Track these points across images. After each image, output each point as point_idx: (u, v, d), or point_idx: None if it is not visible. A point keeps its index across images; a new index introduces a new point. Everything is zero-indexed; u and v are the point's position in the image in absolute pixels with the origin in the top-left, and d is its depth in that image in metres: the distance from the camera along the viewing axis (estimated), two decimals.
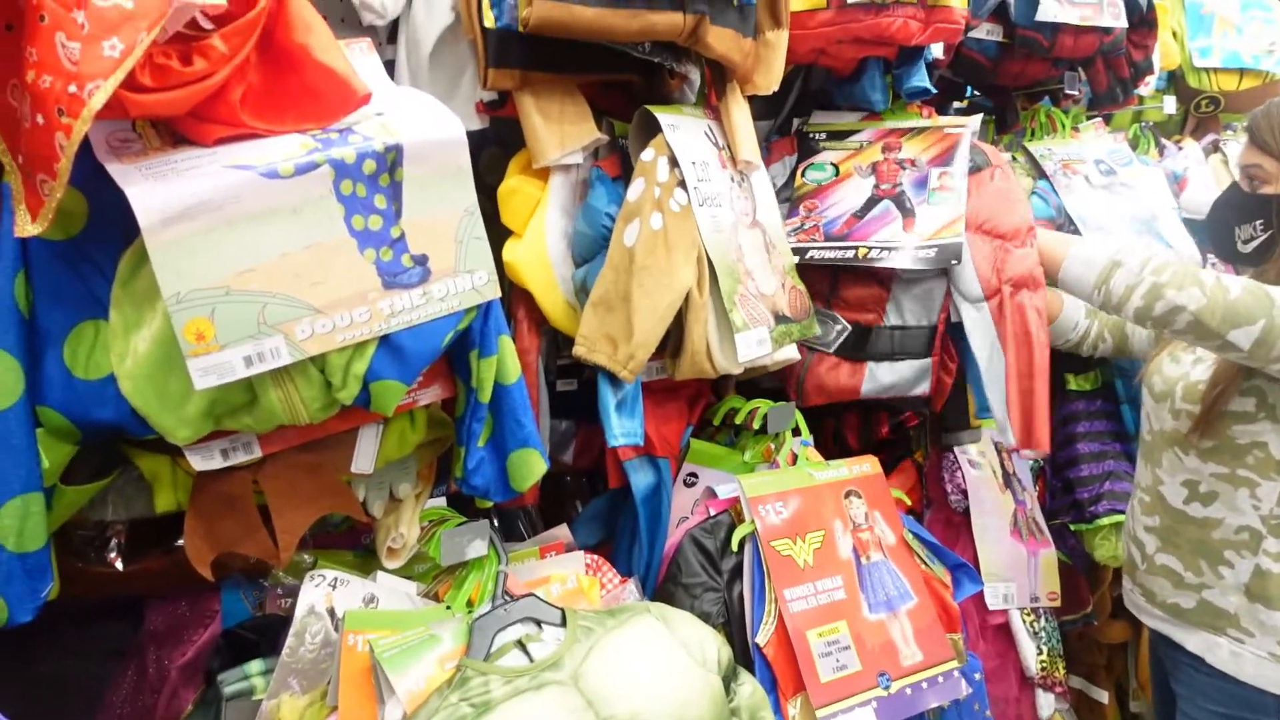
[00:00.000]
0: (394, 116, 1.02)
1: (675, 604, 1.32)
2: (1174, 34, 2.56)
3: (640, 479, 1.47)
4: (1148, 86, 2.43)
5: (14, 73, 0.86)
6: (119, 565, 1.21)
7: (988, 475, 1.88)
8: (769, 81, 1.49)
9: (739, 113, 1.48)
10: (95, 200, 0.94)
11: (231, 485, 1.09)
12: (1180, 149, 2.52)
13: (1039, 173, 2.10)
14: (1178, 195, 2.32)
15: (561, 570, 1.32)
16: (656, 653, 1.13)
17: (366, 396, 1.01)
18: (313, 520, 1.15)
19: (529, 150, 1.36)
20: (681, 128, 1.39)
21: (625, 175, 1.40)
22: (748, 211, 1.50)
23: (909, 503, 1.68)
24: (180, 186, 0.87)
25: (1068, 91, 2.11)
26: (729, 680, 1.19)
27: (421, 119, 1.03)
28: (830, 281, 1.64)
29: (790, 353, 1.53)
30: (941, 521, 1.88)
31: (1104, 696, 2.36)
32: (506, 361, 1.17)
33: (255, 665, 1.14)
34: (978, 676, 1.53)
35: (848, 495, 1.50)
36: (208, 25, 0.90)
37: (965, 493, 1.82)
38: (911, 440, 1.93)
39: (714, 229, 1.39)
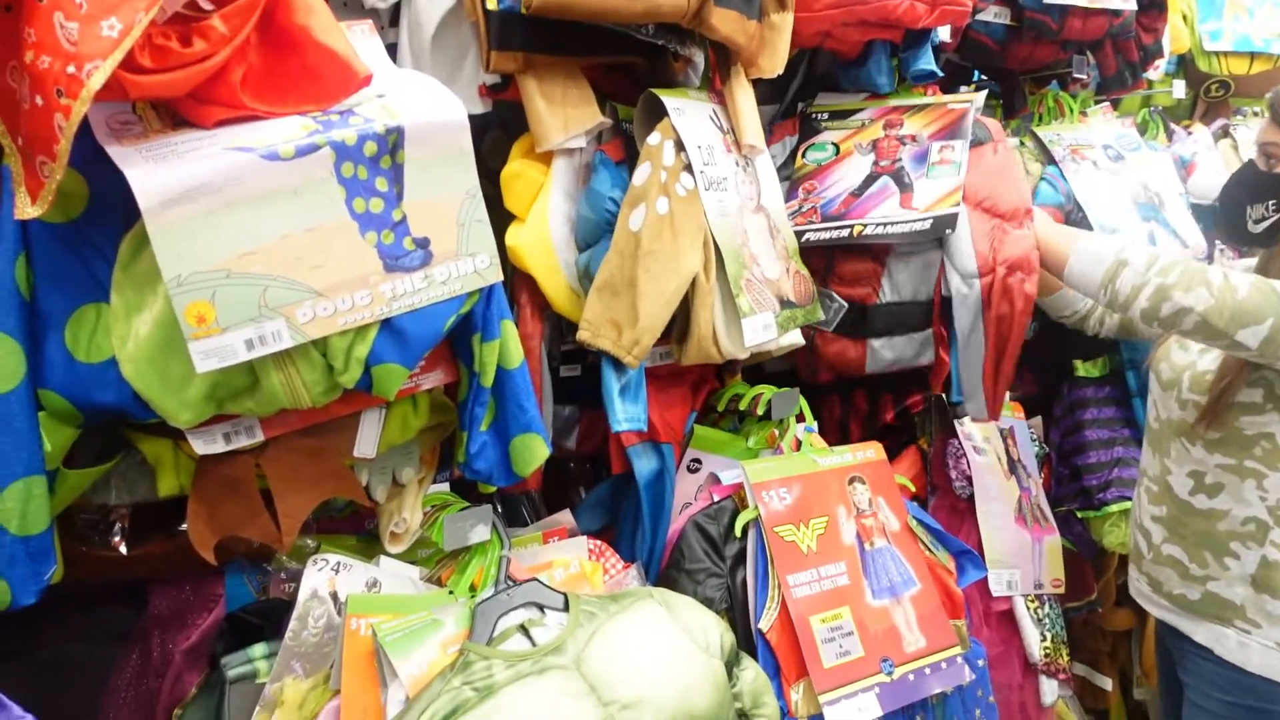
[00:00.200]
0: (395, 98, 1.01)
1: (678, 589, 1.32)
2: (1184, 17, 2.54)
3: (643, 465, 1.47)
4: (1157, 70, 2.41)
5: (13, 54, 0.85)
6: (123, 549, 1.20)
7: (992, 462, 1.87)
8: (774, 65, 1.47)
9: (743, 96, 1.46)
10: (96, 183, 0.93)
11: (234, 469, 1.09)
12: (1189, 134, 2.50)
13: (1047, 158, 2.09)
14: (1185, 180, 2.30)
15: (564, 555, 1.32)
16: (659, 638, 1.13)
17: (368, 380, 1.01)
18: (315, 504, 1.15)
19: (532, 134, 1.35)
20: (687, 111, 1.38)
21: (628, 159, 1.40)
22: (752, 196, 1.49)
23: (913, 489, 1.68)
24: (180, 169, 0.86)
25: (1075, 75, 2.09)
26: (731, 666, 1.19)
27: (423, 101, 1.02)
28: (826, 259, 1.64)
29: (795, 338, 1.52)
30: (946, 508, 1.87)
31: (1107, 684, 2.36)
32: (509, 346, 1.16)
33: (258, 649, 1.14)
34: (981, 663, 1.53)
35: (852, 481, 1.50)
36: (207, 6, 0.90)
37: (970, 479, 1.82)
38: (916, 426, 1.92)
39: (720, 213, 1.38)
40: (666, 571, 1.41)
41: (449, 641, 1.08)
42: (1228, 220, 1.58)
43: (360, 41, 1.08)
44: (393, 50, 1.30)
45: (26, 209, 0.86)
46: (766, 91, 1.77)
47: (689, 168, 1.35)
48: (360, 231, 0.96)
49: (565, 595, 1.16)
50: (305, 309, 0.93)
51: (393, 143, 0.97)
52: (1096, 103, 2.26)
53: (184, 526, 1.11)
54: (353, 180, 0.95)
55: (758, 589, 1.36)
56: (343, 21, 1.01)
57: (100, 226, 0.94)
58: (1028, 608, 1.86)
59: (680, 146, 1.35)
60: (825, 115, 1.76)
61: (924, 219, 1.53)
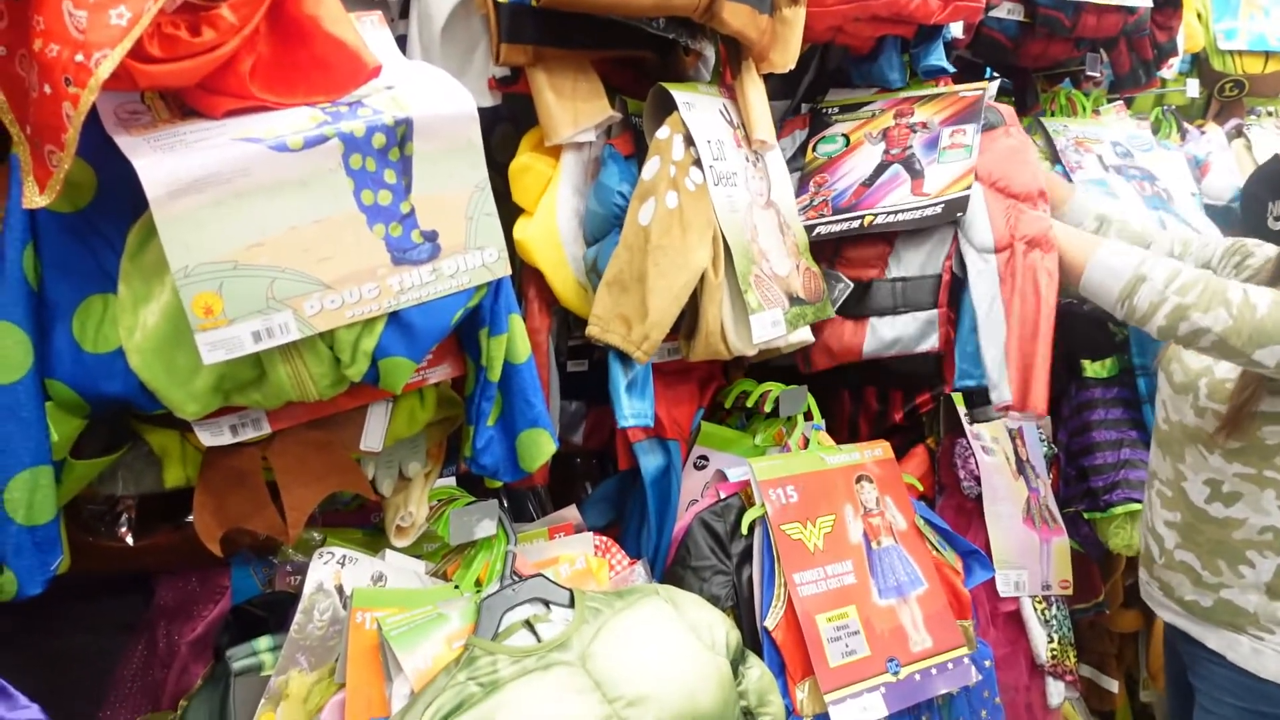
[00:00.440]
0: (404, 90, 1.00)
1: (684, 586, 1.31)
2: (1198, 15, 2.51)
3: (650, 461, 1.46)
4: (1170, 69, 2.39)
5: (22, 42, 0.85)
6: (129, 540, 1.21)
7: (1001, 462, 1.86)
8: (785, 59, 1.47)
9: (754, 91, 1.46)
10: (104, 172, 0.93)
11: (240, 461, 1.09)
12: (1203, 133, 2.48)
13: (1054, 155, 2.07)
14: (1199, 181, 2.28)
15: (570, 551, 1.32)
16: (664, 635, 1.13)
17: (375, 373, 1.01)
18: (322, 497, 1.15)
19: (541, 127, 1.34)
20: (697, 106, 1.37)
21: (638, 153, 1.39)
22: (762, 192, 1.48)
23: (921, 488, 1.67)
24: (188, 159, 0.86)
25: (1089, 73, 2.08)
26: (737, 664, 1.18)
27: (432, 93, 1.02)
28: (834, 245, 1.61)
29: (804, 335, 1.51)
30: (953, 508, 1.86)
31: (1114, 686, 2.35)
32: (517, 340, 1.16)
33: (264, 641, 1.15)
34: (988, 663, 1.52)
35: (859, 480, 1.49)
36: None
37: (978, 479, 1.80)
38: (924, 426, 1.91)
39: (729, 209, 1.37)
40: (672, 568, 1.41)
41: (454, 636, 1.08)
42: (1248, 215, 1.56)
43: (369, 33, 1.07)
44: (402, 42, 1.30)
45: (34, 198, 0.85)
46: (777, 86, 1.76)
47: (698, 162, 1.35)
48: (368, 224, 0.96)
49: (571, 591, 1.15)
50: (313, 301, 0.93)
51: (401, 135, 0.97)
52: (1109, 101, 2.24)
53: (190, 518, 1.11)
54: (361, 172, 0.95)
55: (764, 587, 1.35)
56: (352, 13, 1.01)
57: (108, 216, 0.94)
58: (1035, 609, 1.85)
59: (690, 141, 1.34)
60: (836, 109, 1.75)
61: (935, 204, 1.51)
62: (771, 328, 1.39)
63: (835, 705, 1.28)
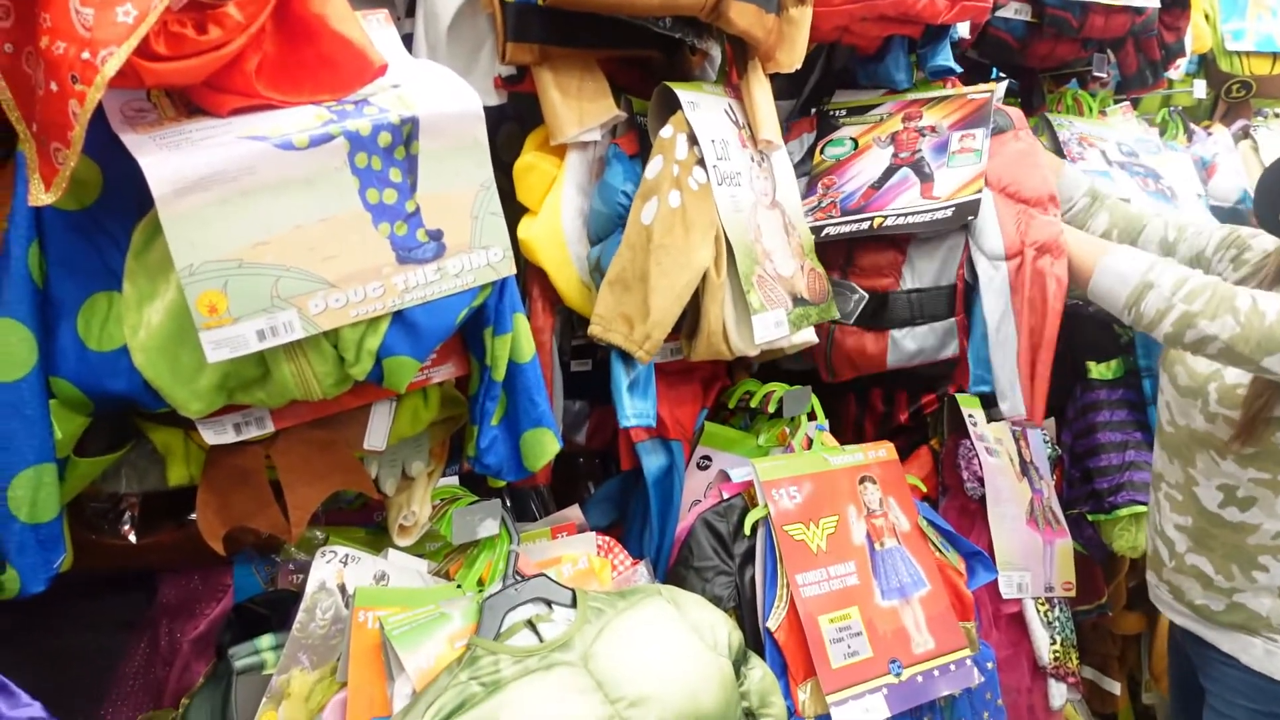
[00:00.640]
0: (410, 89, 1.00)
1: (686, 587, 1.31)
2: (1206, 16, 2.51)
3: (652, 461, 1.46)
4: (1177, 70, 2.38)
5: (29, 39, 0.85)
6: (132, 538, 1.21)
7: (1005, 463, 1.85)
8: (792, 59, 1.46)
9: (760, 91, 1.45)
10: (110, 170, 0.93)
11: (244, 460, 1.09)
12: (1209, 134, 2.47)
13: (1058, 149, 2.07)
14: (1205, 182, 2.28)
15: (573, 551, 1.32)
16: (667, 635, 1.12)
17: (379, 372, 1.00)
18: (325, 496, 1.15)
19: (546, 126, 1.34)
20: (701, 105, 1.37)
21: (643, 153, 1.39)
22: (767, 192, 1.48)
23: (924, 489, 1.67)
24: (194, 157, 0.86)
25: (1095, 74, 2.07)
26: (739, 664, 1.18)
27: (438, 92, 1.01)
28: (846, 252, 1.61)
29: (808, 336, 1.51)
30: (957, 509, 1.86)
31: (1116, 688, 2.35)
32: (521, 339, 1.15)
33: (266, 640, 1.14)
34: (990, 665, 1.52)
35: (862, 481, 1.49)
36: None
37: (982, 480, 1.80)
38: (928, 427, 1.91)
39: (733, 208, 1.37)
40: (675, 569, 1.41)
41: (456, 636, 1.08)
42: (1262, 209, 1.54)
43: (376, 31, 1.07)
44: (408, 41, 1.30)
45: (40, 196, 0.85)
46: (784, 86, 1.76)
47: (702, 162, 1.34)
48: (373, 222, 0.96)
49: (573, 591, 1.15)
50: (317, 300, 0.93)
51: (407, 133, 0.97)
52: (1116, 102, 2.24)
53: (193, 516, 1.11)
54: (366, 171, 0.95)
55: (766, 588, 1.35)
56: (358, 11, 1.00)
57: (114, 214, 0.94)
58: (1038, 610, 1.85)
59: (694, 140, 1.34)
60: (843, 111, 1.74)
61: (946, 207, 1.51)
62: (774, 328, 1.38)
63: (837, 706, 1.28)
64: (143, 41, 0.81)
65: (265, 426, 1.05)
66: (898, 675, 1.35)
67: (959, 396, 1.81)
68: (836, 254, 1.61)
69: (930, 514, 1.56)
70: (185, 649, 1.22)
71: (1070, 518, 2.02)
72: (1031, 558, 1.84)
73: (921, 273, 1.56)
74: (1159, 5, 1.92)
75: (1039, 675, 1.86)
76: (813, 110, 1.82)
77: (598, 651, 1.07)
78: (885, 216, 1.53)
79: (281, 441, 1.09)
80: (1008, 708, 1.66)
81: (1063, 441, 2.14)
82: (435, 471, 1.29)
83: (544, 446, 1.20)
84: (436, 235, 1.00)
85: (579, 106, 1.33)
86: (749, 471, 1.43)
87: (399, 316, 0.99)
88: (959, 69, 1.71)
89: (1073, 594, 1.91)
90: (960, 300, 1.56)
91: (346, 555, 1.16)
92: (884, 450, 1.55)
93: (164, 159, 0.85)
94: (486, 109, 1.04)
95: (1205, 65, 2.61)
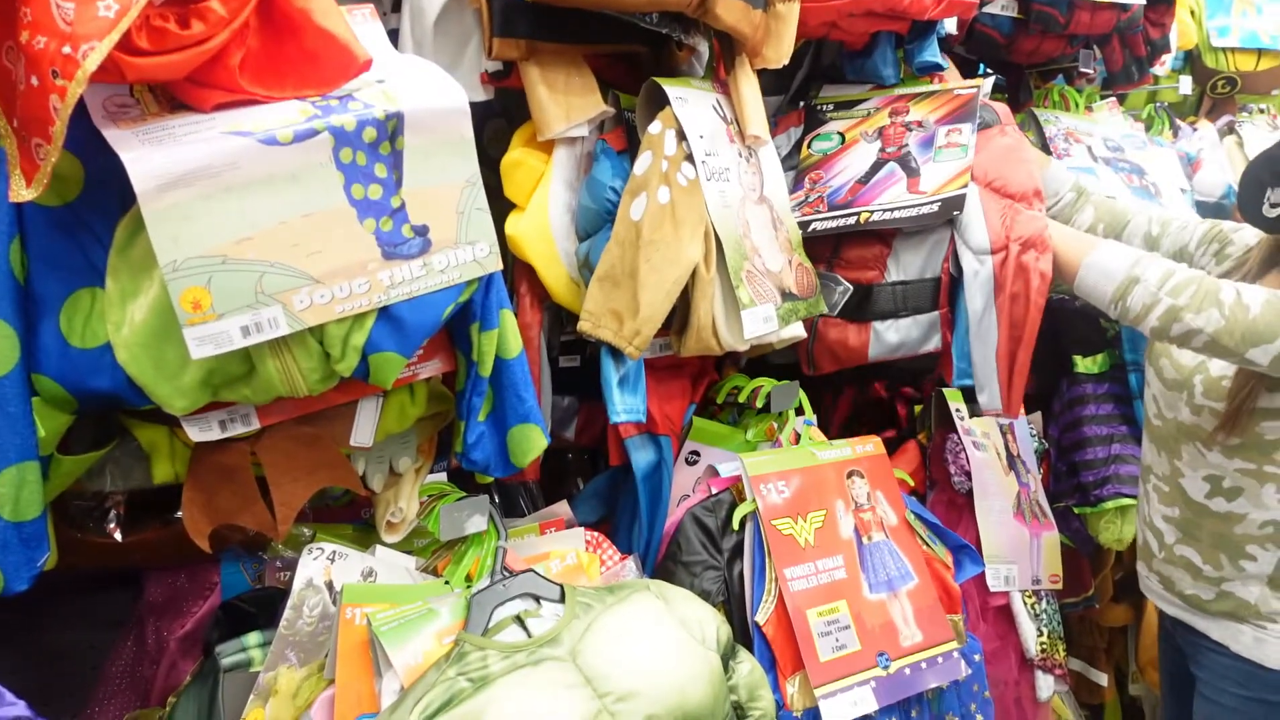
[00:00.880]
0: (396, 84, 1.00)
1: (675, 582, 1.32)
2: (1191, 12, 2.52)
3: (641, 457, 1.46)
4: (1163, 66, 2.40)
5: (9, 34, 0.84)
6: (118, 536, 1.20)
7: (992, 457, 1.86)
8: (779, 55, 1.46)
9: (748, 86, 1.45)
10: (92, 166, 0.92)
11: (229, 457, 1.08)
12: (1195, 130, 2.49)
13: (1044, 145, 2.07)
14: (1190, 177, 2.29)
15: (561, 547, 1.32)
16: (655, 630, 1.13)
17: (365, 368, 1.00)
18: (311, 493, 1.14)
19: (534, 122, 1.34)
20: (689, 101, 1.37)
21: (631, 149, 1.39)
22: (755, 187, 1.48)
23: (912, 483, 1.67)
24: (177, 152, 0.86)
25: (1082, 70, 2.08)
26: (728, 658, 1.18)
27: (424, 87, 1.01)
28: (832, 245, 1.61)
29: (796, 330, 1.51)
30: (944, 503, 1.87)
31: (1103, 679, 2.37)
32: (508, 335, 1.15)
33: (253, 637, 1.14)
34: (977, 658, 1.53)
35: (850, 475, 1.49)
36: None
37: (969, 474, 1.81)
38: (916, 421, 1.91)
39: (721, 204, 1.37)
40: (663, 564, 1.41)
41: (444, 632, 1.08)
42: (1245, 199, 1.55)
43: (361, 26, 1.07)
44: (394, 36, 1.29)
45: (21, 192, 0.85)
46: (771, 82, 1.76)
47: (690, 157, 1.34)
48: (359, 218, 0.96)
49: (561, 586, 1.15)
50: (302, 296, 0.92)
51: (392, 129, 0.96)
52: (1102, 98, 2.25)
53: (179, 514, 1.10)
54: (351, 166, 0.94)
55: (755, 582, 1.35)
56: (344, 6, 1.00)
57: (96, 210, 0.93)
58: (1025, 603, 1.86)
59: (682, 136, 1.34)
60: (830, 106, 1.75)
61: (932, 202, 1.51)
62: (763, 323, 1.39)
63: (825, 699, 1.29)
64: (125, 36, 0.80)
65: (251, 423, 1.04)
66: (886, 668, 1.35)
67: (945, 391, 1.82)
68: (823, 247, 1.61)
69: (918, 508, 1.56)
70: (172, 647, 1.21)
71: (1057, 511, 2.04)
72: (1018, 551, 1.86)
73: (906, 266, 1.57)
74: (1144, 2, 1.93)
75: (1026, 667, 1.87)
76: (800, 105, 1.83)
77: (586, 646, 1.08)
78: (872, 212, 1.54)
79: (267, 438, 1.09)
80: (995, 699, 1.67)
81: (1049, 435, 2.15)
82: (423, 468, 1.28)
83: (531, 442, 1.20)
84: (422, 231, 1.00)
85: (566, 102, 1.32)
86: (737, 466, 1.43)
87: (385, 312, 0.99)
88: (946, 64, 1.72)
89: (1059, 586, 1.93)
90: (945, 294, 1.57)
91: (334, 552, 1.15)
92: (872, 445, 1.56)
93: (146, 154, 0.84)
94: (474, 105, 1.04)
95: (1191, 61, 2.62)
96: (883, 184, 1.58)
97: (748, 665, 1.21)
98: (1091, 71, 2.10)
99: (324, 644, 1.11)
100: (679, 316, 1.38)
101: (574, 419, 1.60)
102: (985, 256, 1.51)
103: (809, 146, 1.71)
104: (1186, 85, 2.59)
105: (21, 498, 0.92)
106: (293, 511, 1.13)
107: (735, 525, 1.39)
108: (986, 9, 1.86)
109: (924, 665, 1.39)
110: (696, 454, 1.62)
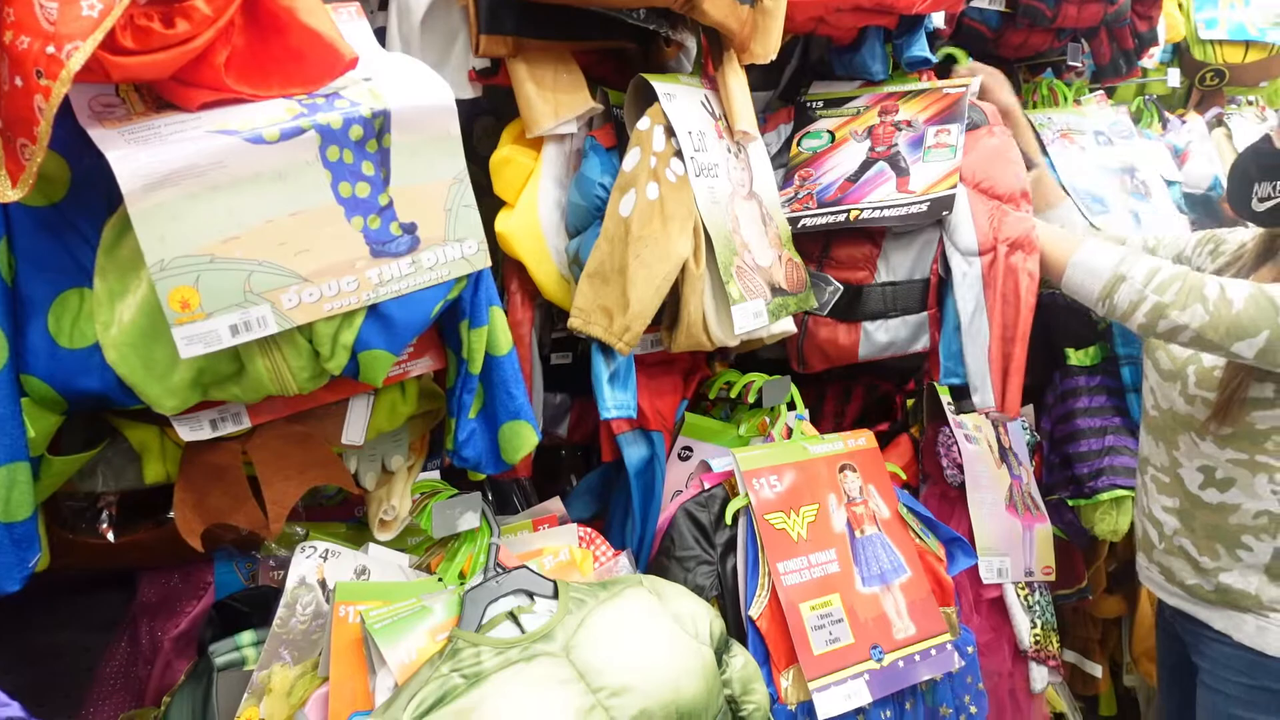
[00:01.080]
0: (382, 82, 1.00)
1: (669, 577, 1.32)
2: (1179, 5, 2.53)
3: (633, 452, 1.46)
4: (1152, 59, 2.41)
5: None
6: (110, 536, 1.20)
7: (984, 450, 1.87)
8: (767, 50, 1.46)
9: (736, 82, 1.45)
10: (78, 166, 0.92)
11: (220, 456, 1.08)
12: (1183, 122, 2.50)
13: (1042, 147, 2.08)
14: (1179, 169, 2.30)
15: (554, 543, 1.32)
16: (649, 625, 1.13)
17: (355, 367, 1.00)
18: (303, 491, 1.15)
19: (522, 119, 1.34)
20: (678, 97, 1.37)
21: (620, 145, 1.39)
22: (744, 183, 1.48)
23: (904, 477, 1.68)
24: (163, 152, 0.86)
25: (1070, 63, 2.09)
26: (721, 652, 1.19)
27: (410, 85, 1.01)
28: (822, 244, 1.62)
29: (786, 326, 1.52)
30: (937, 496, 1.87)
31: (1097, 670, 2.38)
32: (497, 332, 1.15)
33: (247, 636, 1.14)
34: (971, 650, 1.53)
35: (843, 469, 1.50)
36: None
37: (961, 467, 1.82)
38: (908, 415, 1.92)
39: (711, 200, 1.37)
40: (657, 559, 1.41)
41: (438, 629, 1.08)
42: (1234, 193, 1.56)
43: (347, 24, 1.07)
44: (381, 34, 1.29)
45: (7, 193, 0.84)
46: (760, 77, 1.76)
47: (679, 153, 1.34)
48: (346, 216, 0.96)
49: (555, 582, 1.15)
50: (291, 294, 0.92)
51: (379, 126, 0.96)
52: (1091, 91, 2.25)
53: (172, 514, 1.10)
54: (338, 164, 0.94)
55: (748, 576, 1.36)
56: (329, 4, 1.00)
57: (83, 210, 0.93)
58: (1018, 595, 1.87)
59: (670, 132, 1.34)
60: (820, 104, 1.75)
61: (921, 201, 1.52)
62: (754, 318, 1.39)
63: (819, 693, 1.29)
64: (109, 35, 0.80)
65: (242, 422, 1.04)
66: (879, 661, 1.36)
67: (937, 385, 1.83)
68: (813, 247, 1.62)
69: (910, 501, 1.57)
70: (166, 647, 1.21)
71: (1049, 503, 2.05)
72: (1011, 543, 1.86)
73: (896, 266, 1.58)
74: None
75: (1020, 659, 1.88)
76: (790, 102, 1.83)
77: (579, 642, 1.08)
78: (862, 209, 1.54)
79: (258, 437, 1.09)
80: (989, 691, 1.68)
81: (1042, 428, 2.16)
82: (415, 465, 1.29)
83: (522, 439, 1.21)
84: (410, 228, 1.00)
85: (554, 99, 1.33)
86: (730, 461, 1.43)
87: (373, 310, 0.99)
88: (935, 59, 1.72)
89: (1053, 578, 1.94)
90: (934, 294, 1.58)
91: (327, 550, 1.15)
92: (864, 438, 1.56)
93: (132, 154, 0.84)
94: (462, 102, 1.04)
95: (1179, 54, 2.64)
96: (872, 183, 1.59)
97: (741, 659, 1.22)
98: (1080, 65, 2.10)
99: (318, 642, 1.11)
100: (669, 312, 1.38)
101: (566, 416, 1.60)
102: (974, 258, 1.53)
103: (799, 144, 1.71)
104: (1175, 78, 2.60)
105: (12, 499, 0.92)
106: (285, 510, 1.13)
107: (728, 520, 1.39)
108: (974, 3, 1.87)
109: (917, 658, 1.39)
110: (689, 449, 1.62)
